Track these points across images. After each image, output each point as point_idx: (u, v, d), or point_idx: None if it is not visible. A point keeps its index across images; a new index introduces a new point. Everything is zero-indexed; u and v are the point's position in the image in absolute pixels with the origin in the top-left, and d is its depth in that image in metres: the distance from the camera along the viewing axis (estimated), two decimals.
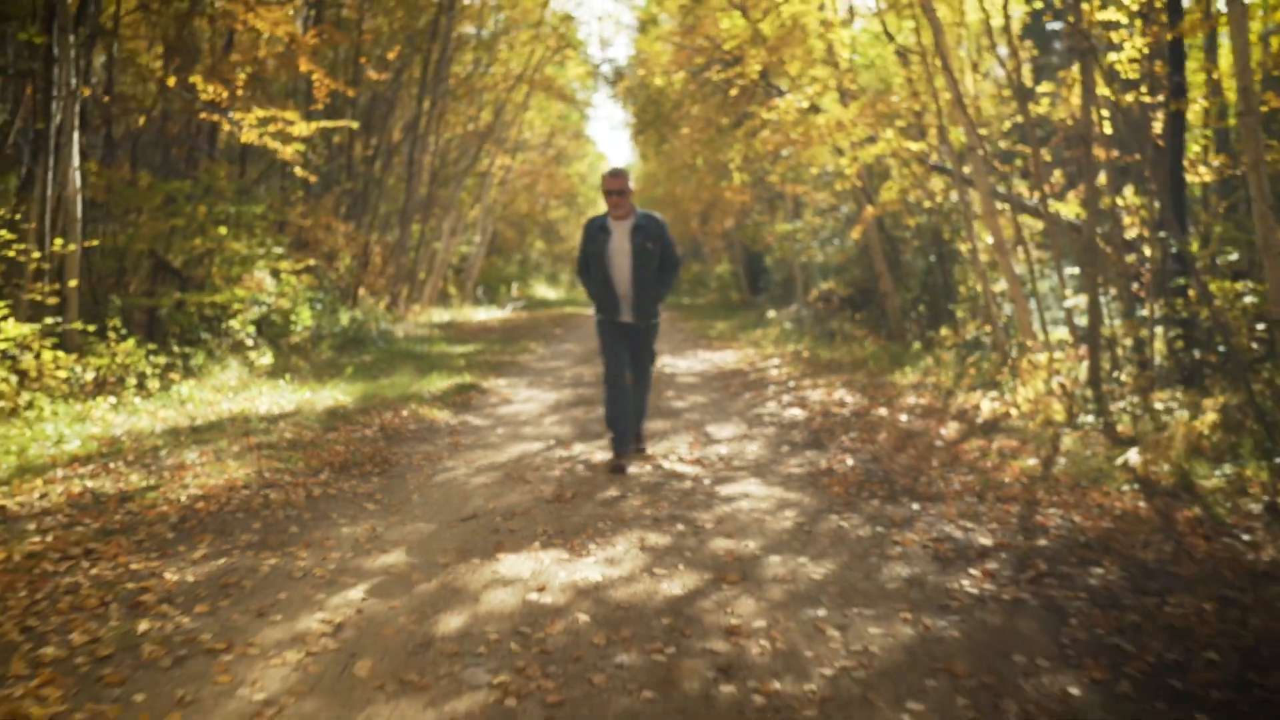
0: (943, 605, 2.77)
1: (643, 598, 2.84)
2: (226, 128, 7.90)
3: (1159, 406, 6.15)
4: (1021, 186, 10.13)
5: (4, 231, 6.15)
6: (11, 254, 6.31)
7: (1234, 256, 6.74)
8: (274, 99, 9.00)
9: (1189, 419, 5.51)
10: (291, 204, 11.80)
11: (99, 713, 2.10)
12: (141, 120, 8.81)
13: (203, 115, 7.94)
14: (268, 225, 9.31)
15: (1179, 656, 2.37)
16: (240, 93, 7.60)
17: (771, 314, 17.30)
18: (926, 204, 11.20)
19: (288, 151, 8.10)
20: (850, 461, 4.87)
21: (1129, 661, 2.35)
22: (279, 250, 8.80)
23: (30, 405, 5.68)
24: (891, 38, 9.56)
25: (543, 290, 36.19)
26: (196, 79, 7.41)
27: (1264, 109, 5.54)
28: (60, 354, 5.99)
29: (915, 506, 3.94)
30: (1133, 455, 4.76)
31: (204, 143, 10.27)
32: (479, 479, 4.53)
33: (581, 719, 2.06)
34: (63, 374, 6.06)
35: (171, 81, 7.63)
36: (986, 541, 3.42)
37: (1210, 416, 5.30)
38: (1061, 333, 8.89)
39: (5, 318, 5.64)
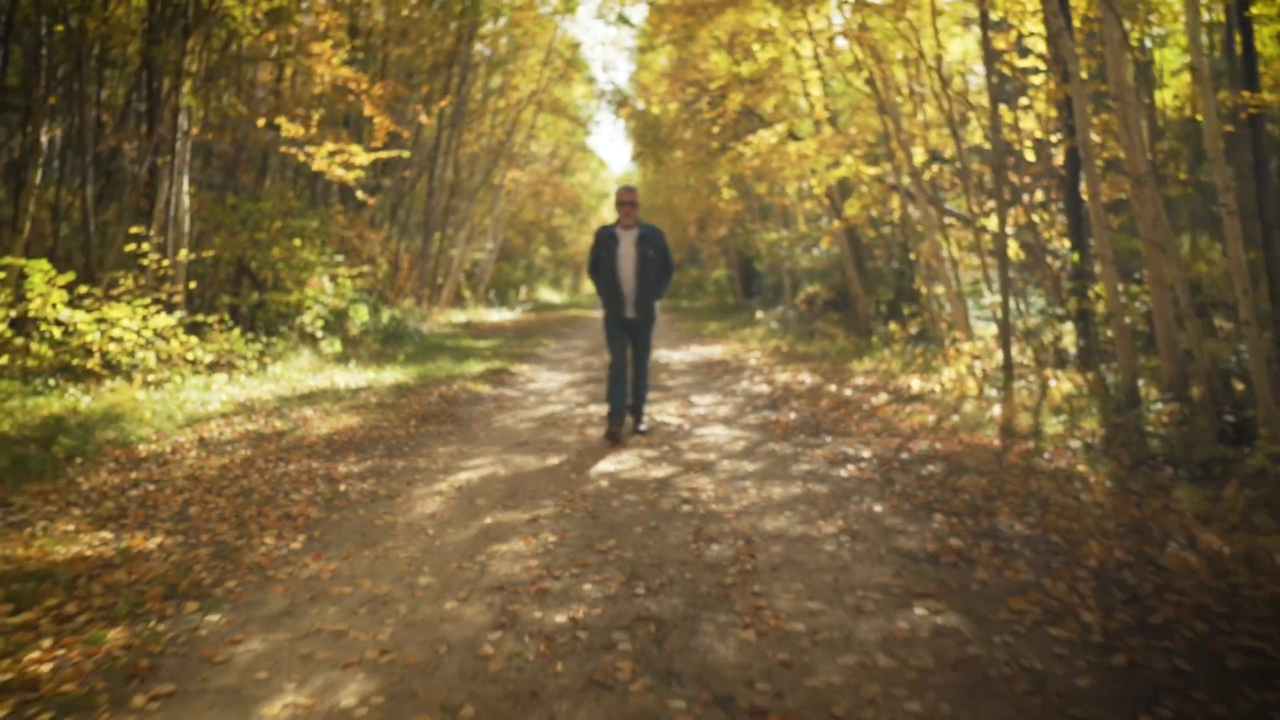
0: (823, 480, 4.53)
1: (639, 476, 4.60)
2: (302, 158, 9.65)
3: (1052, 383, 7.88)
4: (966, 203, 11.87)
5: (145, 245, 7.93)
6: (145, 262, 8.07)
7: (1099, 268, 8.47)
8: (328, 130, 10.76)
9: (1060, 389, 7.26)
10: (332, 216, 13.57)
11: (343, 516, 3.86)
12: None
13: (283, 149, 9.71)
14: (324, 236, 11.09)
15: (948, 498, 4.12)
16: (314, 130, 9.35)
17: (760, 315, 19.07)
18: (888, 218, 12.95)
19: (349, 177, 9.89)
20: (793, 416, 6.63)
21: (917, 498, 4.10)
22: (339, 258, 10.57)
23: (169, 379, 7.44)
24: (860, 65, 11.32)
25: (546, 294, 37.99)
26: (281, 120, 9.19)
27: (1101, 159, 7.28)
28: (193, 339, 7.75)
29: (829, 439, 5.69)
30: (995, 409, 6.53)
31: (264, 163, 12.07)
32: (523, 425, 6.29)
33: (606, 516, 3.82)
34: (191, 356, 7.82)
35: (261, 122, 9.43)
36: (867, 454, 5.17)
37: (1066, 386, 7.05)
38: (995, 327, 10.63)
39: (158, 312, 7.41)
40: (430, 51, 15.13)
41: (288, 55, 9.46)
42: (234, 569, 3.15)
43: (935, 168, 12.03)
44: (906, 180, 10.94)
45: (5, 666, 2.33)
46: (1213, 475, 4.77)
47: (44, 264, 6.69)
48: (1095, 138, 7.85)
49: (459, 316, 18.41)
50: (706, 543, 3.44)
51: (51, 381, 6.72)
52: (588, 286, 49.15)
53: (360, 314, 10.63)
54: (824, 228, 15.12)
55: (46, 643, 2.49)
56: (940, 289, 11.07)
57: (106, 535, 3.55)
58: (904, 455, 5.17)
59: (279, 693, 2.25)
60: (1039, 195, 10.54)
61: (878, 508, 3.96)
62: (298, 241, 9.74)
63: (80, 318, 6.90)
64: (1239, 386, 6.17)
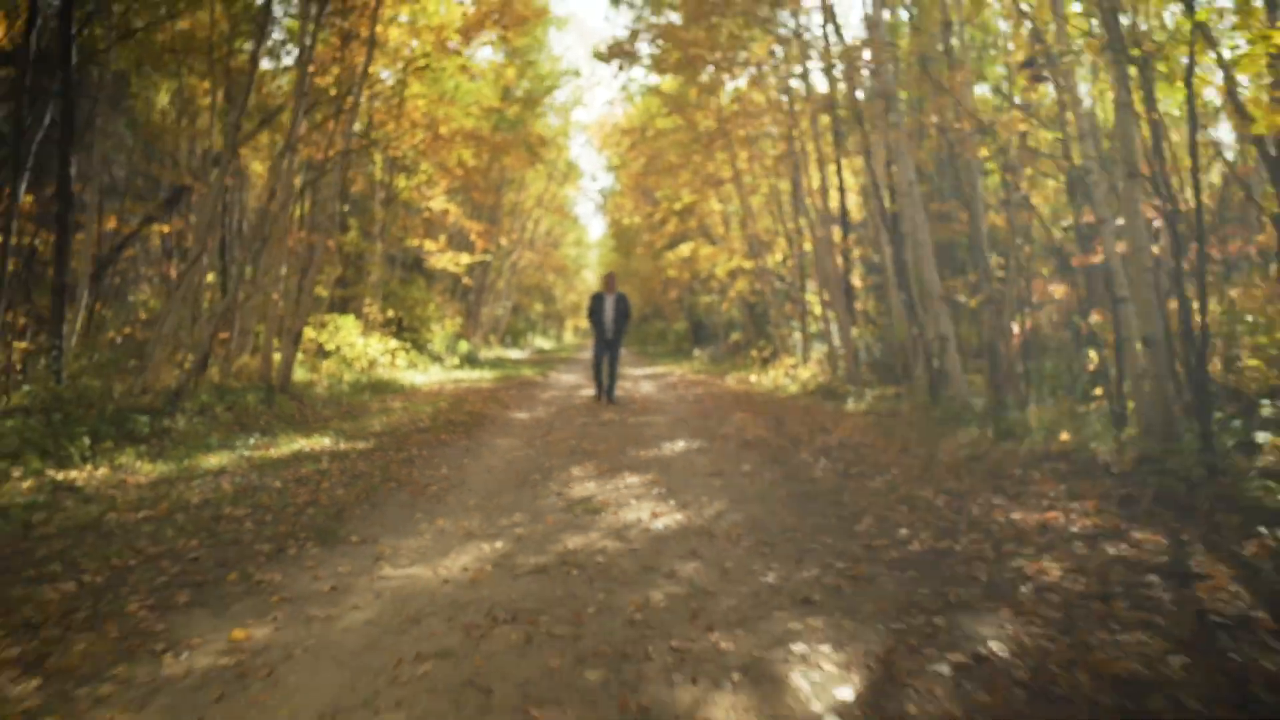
0: (678, 397, 12.98)
1: (625, 388, 13.04)
2: (432, 260, 18.10)
3: (822, 377, 16.36)
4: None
5: (374, 309, 16.28)
6: (371, 316, 16.40)
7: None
8: (444, 242, 19.27)
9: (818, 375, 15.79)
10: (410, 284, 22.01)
11: (520, 398, 12.26)
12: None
13: (423, 257, 18.19)
14: (434, 302, 19.53)
15: (713, 397, 12.56)
16: (441, 244, 17.81)
17: (697, 353, 27.64)
18: (772, 286, 21.60)
19: (460, 270, 18.36)
20: (679, 387, 15.07)
21: (703, 397, 12.54)
22: (448, 314, 19.02)
23: (395, 372, 15.74)
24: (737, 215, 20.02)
25: (540, 341, 46.56)
26: (426, 242, 17.66)
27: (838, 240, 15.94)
28: (403, 352, 16.06)
29: (688, 390, 14.13)
30: (768, 380, 15.03)
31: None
32: (565, 385, 14.69)
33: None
34: (400, 362, 16.10)
35: (415, 242, 17.90)
36: (699, 391, 13.63)
37: (821, 376, 15.54)
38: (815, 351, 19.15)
39: (388, 342, 15.74)
40: (481, 184, 23.76)
41: (422, 202, 18.01)
42: (502, 402, 11.52)
43: (790, 261, 20.72)
44: (761, 265, 19.60)
45: (470, 408, 10.70)
46: (837, 398, 13.26)
47: (351, 318, 15.02)
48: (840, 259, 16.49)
49: (491, 354, 26.77)
50: (633, 395, 11.85)
51: (350, 369, 14.99)
52: (569, 337, 58.49)
53: (463, 346, 19.04)
54: (727, 295, 23.76)
55: (471, 408, 10.81)
56: (779, 330, 19.68)
57: (450, 402, 11.83)
58: (713, 392, 13.62)
59: (529, 412, 10.61)
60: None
61: (689, 398, 12.40)
62: (431, 306, 18.15)
63: (360, 341, 15.22)
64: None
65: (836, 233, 16.72)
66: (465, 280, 20.28)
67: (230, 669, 2.66)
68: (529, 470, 6.15)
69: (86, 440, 6.07)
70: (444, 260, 18.17)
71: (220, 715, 2.35)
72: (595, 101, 67.90)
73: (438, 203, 18.26)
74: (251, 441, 7.16)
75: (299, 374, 12.31)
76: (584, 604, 3.25)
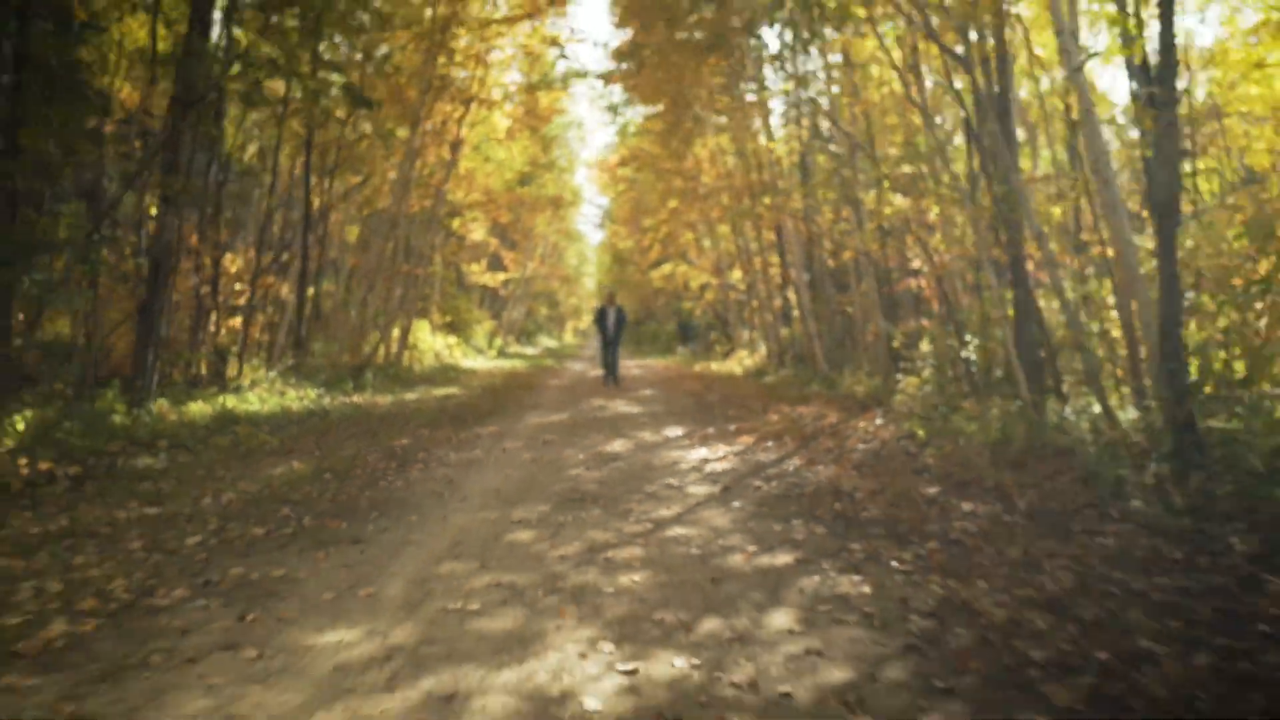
0: (656, 377, 19.14)
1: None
2: (474, 278, 24.22)
3: (769, 360, 22.56)
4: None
5: (437, 315, 22.43)
6: (434, 320, 22.55)
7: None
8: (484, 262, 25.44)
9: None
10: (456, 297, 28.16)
11: (551, 373, 18.46)
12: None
13: (465, 274, 24.33)
14: (473, 308, 25.68)
15: (681, 376, 18.73)
16: (482, 268, 23.89)
17: (680, 349, 33.83)
18: (729, 297, 27.77)
19: (496, 285, 24.50)
20: (659, 371, 21.23)
21: (671, 375, 18.72)
22: (485, 315, 25.22)
23: (455, 359, 21.92)
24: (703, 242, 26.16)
25: (546, 341, 52.78)
26: (471, 265, 23.78)
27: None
28: (457, 347, 22.20)
29: (665, 373, 20.30)
30: (724, 367, 21.23)
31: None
32: (578, 371, 20.86)
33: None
34: (458, 353, 22.24)
35: (466, 267, 24.03)
36: (672, 374, 19.79)
37: (750, 358, 21.73)
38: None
39: (451, 339, 21.88)
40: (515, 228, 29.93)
41: (467, 235, 24.16)
42: (540, 377, 17.67)
43: (746, 278, 26.84)
44: (724, 281, 25.73)
45: (522, 381, 16.87)
46: (763, 375, 19.49)
47: (425, 322, 21.13)
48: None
49: (513, 350, 32.89)
50: (625, 376, 18.02)
51: (425, 357, 21.11)
52: (569, 337, 65.60)
53: (498, 342, 25.19)
54: (700, 303, 30.02)
55: (523, 380, 16.95)
56: (737, 331, 25.83)
57: (502, 379, 17.94)
58: (682, 374, 19.78)
59: (560, 381, 16.75)
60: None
61: (663, 376, 18.56)
62: (475, 312, 24.28)
63: (431, 338, 21.34)
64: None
65: (775, 260, 22.88)
66: (503, 292, 26.49)
67: (496, 435, 8.82)
68: (571, 399, 12.33)
69: (350, 384, 12.24)
70: (484, 279, 24.32)
71: (503, 439, 8.51)
72: (595, 143, 74.81)
73: (479, 234, 24.43)
74: (421, 389, 13.32)
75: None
76: (603, 423, 9.47)
